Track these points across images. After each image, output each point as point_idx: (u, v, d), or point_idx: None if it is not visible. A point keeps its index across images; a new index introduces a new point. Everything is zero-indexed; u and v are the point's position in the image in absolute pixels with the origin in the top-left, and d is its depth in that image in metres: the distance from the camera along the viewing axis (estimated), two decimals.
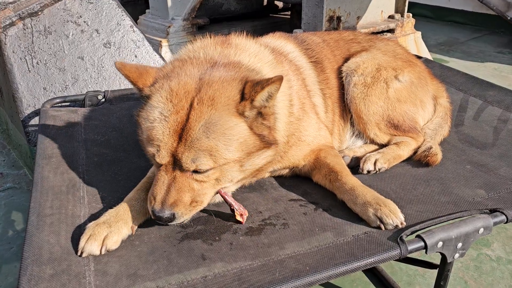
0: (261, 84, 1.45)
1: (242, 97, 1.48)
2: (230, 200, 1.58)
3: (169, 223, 1.47)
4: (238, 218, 1.57)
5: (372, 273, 2.41)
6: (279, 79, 1.44)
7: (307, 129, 1.85)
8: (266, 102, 1.50)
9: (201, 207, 1.52)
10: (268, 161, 1.61)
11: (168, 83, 1.50)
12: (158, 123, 1.45)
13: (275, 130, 1.62)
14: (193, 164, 1.43)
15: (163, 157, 1.45)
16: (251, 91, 1.46)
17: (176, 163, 1.45)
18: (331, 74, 2.14)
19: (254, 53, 1.76)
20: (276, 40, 2.08)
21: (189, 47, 1.79)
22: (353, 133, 2.15)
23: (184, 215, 1.47)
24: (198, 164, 1.43)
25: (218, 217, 1.62)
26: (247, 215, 1.60)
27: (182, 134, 1.43)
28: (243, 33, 1.88)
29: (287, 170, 1.90)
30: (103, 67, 3.14)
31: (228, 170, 1.50)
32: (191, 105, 1.44)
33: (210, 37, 1.82)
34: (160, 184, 1.46)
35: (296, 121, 1.80)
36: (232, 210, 1.57)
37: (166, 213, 1.43)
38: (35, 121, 2.91)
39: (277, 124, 1.64)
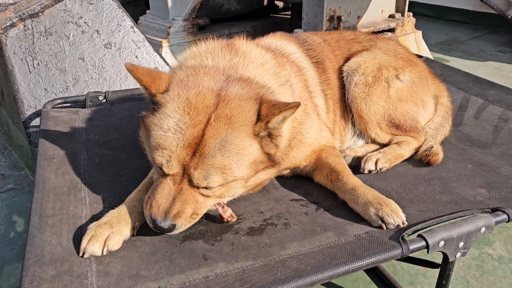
0: (279, 108, 1.46)
1: (258, 118, 1.48)
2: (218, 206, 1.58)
3: (167, 233, 1.46)
4: (229, 218, 1.58)
5: (374, 272, 2.41)
6: (296, 105, 1.45)
7: (308, 131, 1.85)
8: (278, 124, 1.51)
9: (198, 218, 1.52)
10: (269, 178, 1.62)
11: (185, 94, 1.48)
12: (172, 133, 1.43)
13: (279, 148, 1.63)
14: (204, 181, 1.43)
15: (171, 168, 1.43)
16: (268, 113, 1.47)
17: (184, 176, 1.44)
18: (332, 74, 2.14)
19: (260, 63, 1.74)
20: (277, 40, 2.08)
21: (194, 50, 1.77)
22: (354, 133, 2.15)
23: (183, 226, 1.46)
24: (209, 181, 1.43)
25: (219, 217, 1.62)
26: (230, 212, 1.59)
27: (196, 149, 1.42)
28: (246, 36, 1.86)
29: (288, 171, 1.90)
30: (104, 68, 3.14)
31: (234, 186, 1.51)
32: (208, 121, 1.43)
33: (214, 40, 1.80)
34: (165, 194, 1.44)
35: (298, 125, 1.80)
36: (224, 218, 1.58)
37: (167, 224, 1.42)
38: (36, 122, 2.92)
39: (282, 142, 1.66)
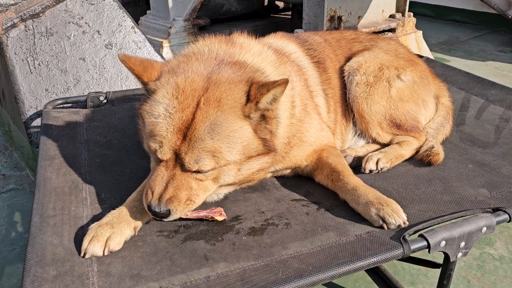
0: (267, 86, 1.46)
1: (248, 99, 1.48)
2: (199, 214, 1.56)
3: (163, 219, 1.48)
4: (219, 218, 1.57)
5: (375, 272, 2.41)
6: (285, 82, 1.44)
7: (309, 130, 1.85)
8: (270, 105, 1.51)
9: (194, 207, 1.52)
10: (263, 168, 1.61)
11: (174, 79, 1.50)
12: (162, 119, 1.45)
13: (275, 135, 1.62)
14: (195, 164, 1.44)
15: (165, 154, 1.45)
16: (256, 93, 1.47)
17: (177, 161, 1.46)
18: (333, 74, 2.14)
19: (257, 52, 1.77)
20: (278, 40, 2.08)
21: (193, 46, 1.79)
22: (355, 133, 2.15)
23: (178, 212, 1.47)
24: (200, 165, 1.45)
25: (222, 221, 1.61)
26: (222, 210, 1.60)
27: (186, 133, 1.43)
28: (245, 32, 1.88)
29: (289, 171, 1.90)
30: (104, 68, 3.14)
31: (226, 171, 1.51)
32: (197, 105, 1.44)
33: (213, 36, 1.82)
34: (159, 180, 1.46)
35: (298, 122, 1.80)
36: (211, 219, 1.57)
37: (162, 209, 1.44)
38: (37, 122, 2.92)
39: (278, 129, 1.66)
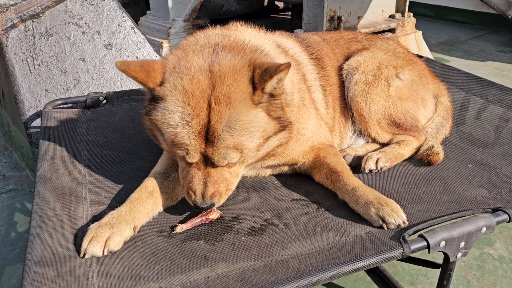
0: (269, 72, 1.48)
1: (254, 86, 1.51)
2: (195, 221, 1.59)
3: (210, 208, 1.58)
4: (214, 216, 1.60)
5: (375, 272, 2.41)
6: (287, 66, 1.47)
7: (306, 122, 1.85)
8: (276, 85, 1.54)
9: (230, 193, 1.63)
10: (281, 143, 1.66)
11: (180, 83, 1.50)
12: (181, 128, 1.48)
13: (287, 104, 1.66)
14: (224, 161, 1.52)
15: (193, 158, 1.52)
16: (260, 79, 1.49)
17: (207, 160, 1.52)
18: (331, 72, 2.14)
19: (254, 34, 1.80)
20: (277, 37, 2.08)
21: (190, 37, 1.78)
22: (355, 132, 2.15)
23: (221, 201, 1.59)
24: (229, 159, 1.52)
25: (220, 218, 1.62)
26: (214, 209, 1.63)
27: (207, 135, 1.48)
28: (242, 21, 1.90)
29: (287, 167, 1.90)
30: (104, 68, 3.14)
31: (249, 154, 1.57)
32: (209, 106, 1.47)
33: (210, 27, 1.84)
34: (196, 180, 1.54)
35: (296, 110, 1.81)
36: (209, 221, 1.60)
37: (208, 203, 1.54)
38: (37, 122, 2.92)
39: (287, 98, 1.69)
